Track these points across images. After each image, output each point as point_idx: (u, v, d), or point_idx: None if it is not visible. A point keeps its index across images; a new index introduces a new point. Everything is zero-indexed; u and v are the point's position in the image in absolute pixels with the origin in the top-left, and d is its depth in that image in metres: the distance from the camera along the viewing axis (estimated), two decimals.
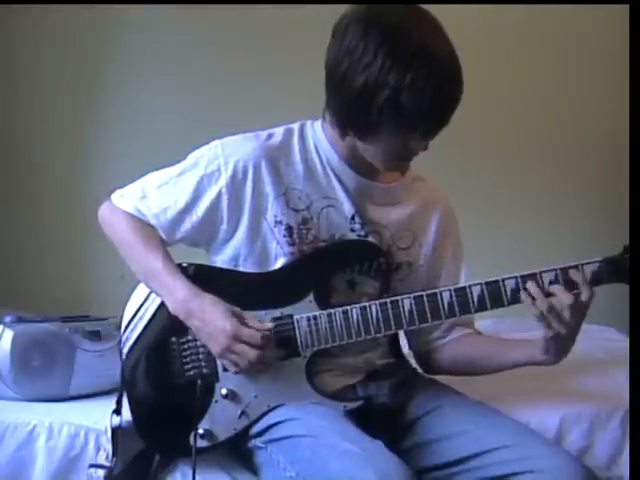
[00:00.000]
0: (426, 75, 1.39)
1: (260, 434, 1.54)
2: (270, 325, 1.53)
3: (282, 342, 1.53)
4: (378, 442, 1.41)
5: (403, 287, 1.63)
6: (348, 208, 1.61)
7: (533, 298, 1.44)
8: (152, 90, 3.28)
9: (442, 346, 1.69)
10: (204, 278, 1.58)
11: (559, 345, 1.50)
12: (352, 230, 1.61)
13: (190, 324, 1.54)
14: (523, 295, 1.46)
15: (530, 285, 1.45)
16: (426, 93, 1.40)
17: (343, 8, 1.49)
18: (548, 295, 1.44)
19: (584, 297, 1.44)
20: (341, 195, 1.61)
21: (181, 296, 1.53)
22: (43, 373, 1.81)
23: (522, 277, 1.48)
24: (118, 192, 1.66)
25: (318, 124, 1.63)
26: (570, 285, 1.45)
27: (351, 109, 1.47)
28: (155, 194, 1.61)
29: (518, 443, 1.48)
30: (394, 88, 1.40)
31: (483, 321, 1.80)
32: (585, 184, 3.37)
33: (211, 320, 1.50)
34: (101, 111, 3.29)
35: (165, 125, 3.23)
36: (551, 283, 1.46)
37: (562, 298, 1.43)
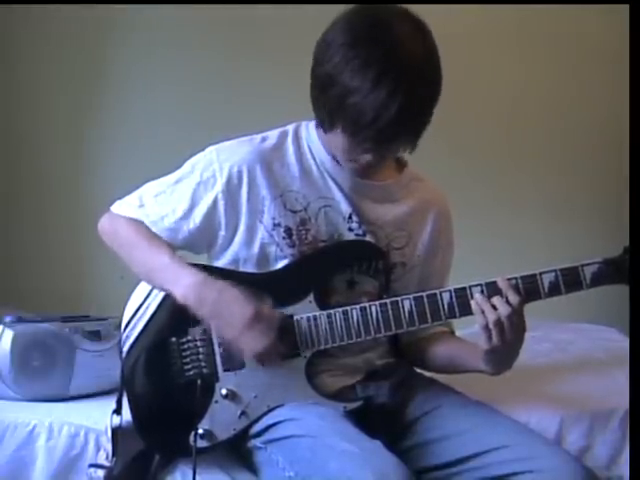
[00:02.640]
0: (372, 87, 1.38)
1: (259, 434, 1.54)
2: (281, 314, 1.51)
3: (282, 342, 1.53)
4: (377, 442, 1.41)
5: (398, 287, 1.63)
6: (345, 207, 1.61)
7: (482, 309, 1.44)
8: (154, 90, 3.28)
9: (424, 339, 1.69)
10: None
11: (498, 358, 1.50)
12: (350, 229, 1.61)
13: (202, 310, 1.51)
14: (473, 305, 1.46)
15: (478, 296, 1.46)
16: (369, 104, 1.39)
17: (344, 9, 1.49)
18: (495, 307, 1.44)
19: (513, 302, 1.43)
20: (337, 195, 1.61)
21: (192, 281, 1.51)
22: (43, 373, 1.81)
23: (522, 278, 1.48)
24: (117, 203, 1.67)
25: (312, 125, 1.63)
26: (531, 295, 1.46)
27: (313, 97, 1.49)
28: (152, 203, 1.62)
29: (518, 443, 1.48)
30: (344, 88, 1.40)
31: None
32: (583, 185, 3.37)
33: (229, 301, 1.49)
34: (104, 111, 3.29)
35: (167, 125, 3.23)
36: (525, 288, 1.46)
37: (500, 309, 1.43)
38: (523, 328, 1.46)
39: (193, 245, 1.63)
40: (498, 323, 1.43)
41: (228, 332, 1.50)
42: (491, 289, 1.47)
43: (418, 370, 1.74)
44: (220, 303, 1.49)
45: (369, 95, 1.38)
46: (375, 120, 1.40)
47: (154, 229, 1.61)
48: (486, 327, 1.44)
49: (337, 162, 1.60)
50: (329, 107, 1.45)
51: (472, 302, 1.46)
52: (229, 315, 1.49)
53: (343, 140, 1.49)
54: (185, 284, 1.52)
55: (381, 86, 1.38)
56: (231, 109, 3.16)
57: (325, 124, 1.50)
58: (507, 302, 1.44)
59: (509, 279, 1.47)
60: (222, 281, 1.51)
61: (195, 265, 1.57)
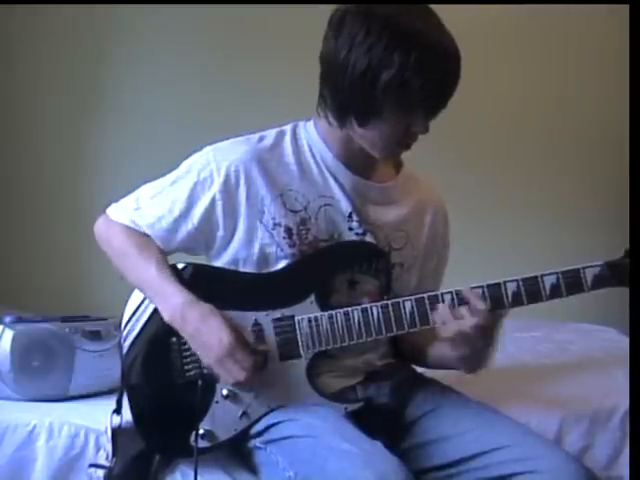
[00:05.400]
0: (430, 56, 1.42)
1: (260, 434, 1.54)
2: (265, 348, 1.52)
3: (283, 343, 1.54)
4: (377, 443, 1.41)
5: (397, 287, 1.63)
6: (345, 206, 1.60)
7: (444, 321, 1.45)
8: (151, 91, 3.29)
9: (419, 336, 1.65)
10: (203, 278, 1.59)
11: (469, 362, 1.51)
12: (350, 228, 1.60)
13: (184, 332, 1.52)
14: (435, 316, 1.46)
15: (441, 307, 1.46)
16: (430, 72, 1.43)
17: None
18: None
19: (480, 316, 1.43)
20: (337, 193, 1.60)
21: (176, 302, 1.52)
22: (43, 373, 1.81)
23: (524, 280, 1.47)
24: (113, 205, 1.67)
25: (310, 124, 1.63)
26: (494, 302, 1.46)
27: (354, 92, 1.47)
28: (149, 204, 1.61)
29: (518, 443, 1.48)
30: (400, 65, 1.42)
31: None
32: (584, 187, 3.37)
33: (208, 329, 1.49)
34: (102, 111, 3.30)
35: (164, 125, 3.23)
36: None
37: (466, 321, 1.43)
38: (491, 335, 1.46)
39: (191, 246, 1.63)
40: (460, 334, 1.43)
41: (205, 359, 1.51)
42: (492, 291, 1.47)
43: (418, 370, 1.74)
44: (200, 330, 1.50)
45: (430, 63, 1.42)
46: (437, 86, 1.45)
47: (150, 231, 1.60)
48: (449, 337, 1.45)
49: (339, 160, 1.60)
50: (382, 90, 1.44)
51: (433, 314, 1.46)
52: (207, 343, 1.50)
53: (388, 126, 1.49)
54: (171, 304, 1.52)
55: (436, 55, 1.43)
56: (230, 109, 3.16)
57: (373, 112, 1.48)
58: (473, 312, 1.43)
59: (510, 281, 1.47)
60: (208, 305, 1.52)
61: (195, 265, 1.58)
